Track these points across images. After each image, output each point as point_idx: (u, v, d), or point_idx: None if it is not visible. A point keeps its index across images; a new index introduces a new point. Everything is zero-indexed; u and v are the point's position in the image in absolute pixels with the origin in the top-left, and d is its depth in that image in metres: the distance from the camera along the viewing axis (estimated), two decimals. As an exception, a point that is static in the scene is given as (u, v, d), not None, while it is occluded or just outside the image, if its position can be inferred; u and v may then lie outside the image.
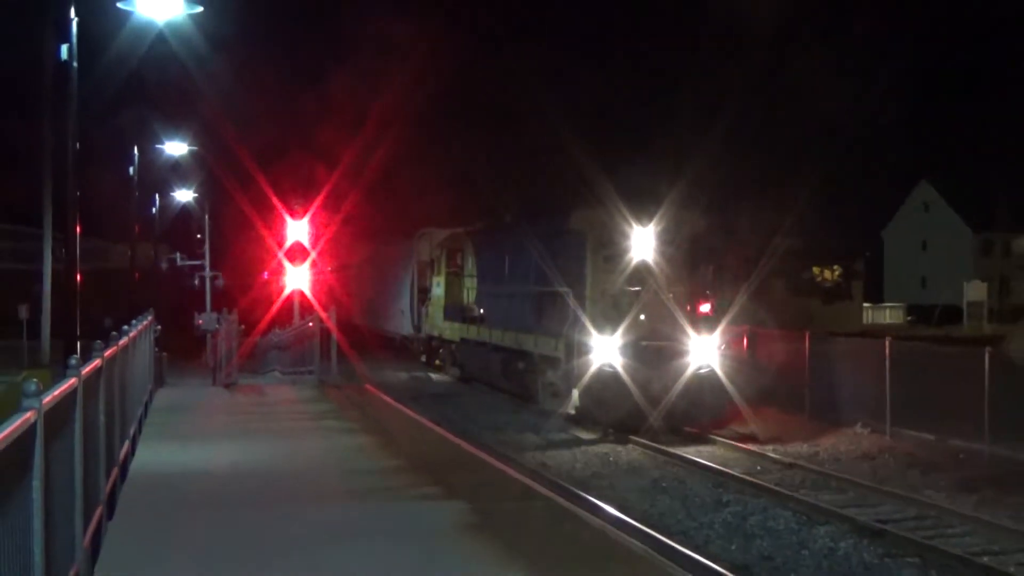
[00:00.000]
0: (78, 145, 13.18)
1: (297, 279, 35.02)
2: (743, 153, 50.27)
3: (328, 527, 9.24)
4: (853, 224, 66.88)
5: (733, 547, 12.53)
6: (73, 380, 6.96)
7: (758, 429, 20.50)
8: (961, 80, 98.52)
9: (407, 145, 58.41)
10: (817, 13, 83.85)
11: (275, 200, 37.27)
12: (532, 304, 23.37)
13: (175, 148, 33.71)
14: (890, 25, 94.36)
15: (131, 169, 28.57)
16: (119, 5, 14.11)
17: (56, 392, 6.10)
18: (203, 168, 41.56)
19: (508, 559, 8.17)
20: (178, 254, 42.03)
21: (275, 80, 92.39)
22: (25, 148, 33.14)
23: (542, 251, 22.58)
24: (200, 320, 32.83)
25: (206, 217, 41.75)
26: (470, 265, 30.04)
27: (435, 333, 33.89)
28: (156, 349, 22.71)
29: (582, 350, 20.48)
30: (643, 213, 21.00)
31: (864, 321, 61.92)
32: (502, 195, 42.57)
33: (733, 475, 16.54)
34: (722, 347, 20.59)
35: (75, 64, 12.77)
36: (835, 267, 62.64)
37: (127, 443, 12.02)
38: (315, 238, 38.38)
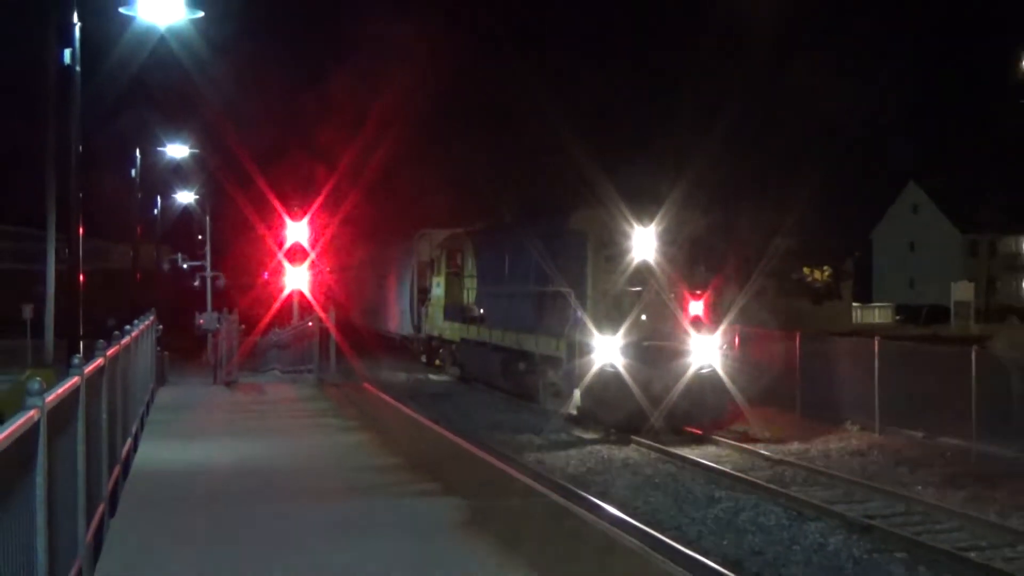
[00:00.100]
0: (81, 147, 13.38)
1: (297, 279, 35.24)
2: (743, 153, 50.40)
3: (328, 524, 9.34)
4: (847, 225, 67.04)
5: (725, 542, 12.73)
6: (76, 379, 7.05)
7: (752, 427, 20.64)
8: (949, 82, 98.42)
9: (407, 145, 58.45)
10: (817, 13, 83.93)
11: (275, 201, 37.55)
12: (533, 304, 23.37)
13: (176, 150, 33.91)
14: (890, 25, 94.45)
15: (133, 171, 28.81)
16: (121, 10, 14.30)
17: (59, 391, 6.19)
18: (204, 170, 41.72)
19: (506, 556, 8.28)
20: (179, 255, 42.13)
21: (275, 81, 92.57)
22: (28, 150, 33.32)
23: (543, 251, 22.54)
24: (201, 320, 32.98)
25: (207, 218, 41.87)
26: (470, 265, 30.02)
27: (435, 333, 33.88)
28: (158, 348, 22.91)
29: (583, 350, 20.48)
30: (644, 213, 20.96)
31: (853, 321, 62.07)
32: (502, 195, 42.77)
33: (725, 472, 16.69)
34: (723, 347, 20.67)
35: (78, 68, 12.96)
36: (825, 268, 62.69)
37: (129, 441, 12.15)
38: (315, 239, 38.63)
